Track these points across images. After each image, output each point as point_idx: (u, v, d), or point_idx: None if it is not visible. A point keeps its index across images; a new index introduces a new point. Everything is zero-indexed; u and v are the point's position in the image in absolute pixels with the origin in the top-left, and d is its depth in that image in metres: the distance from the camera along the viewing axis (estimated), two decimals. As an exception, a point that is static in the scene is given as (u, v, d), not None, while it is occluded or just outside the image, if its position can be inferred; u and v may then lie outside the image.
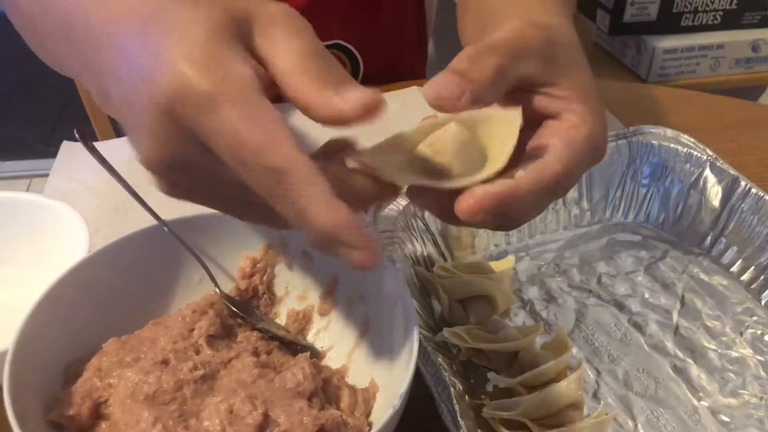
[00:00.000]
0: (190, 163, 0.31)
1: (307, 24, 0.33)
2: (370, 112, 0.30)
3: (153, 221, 0.47)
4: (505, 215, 0.34)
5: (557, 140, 0.35)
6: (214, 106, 0.28)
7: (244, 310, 0.48)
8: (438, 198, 0.34)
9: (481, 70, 0.33)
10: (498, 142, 0.34)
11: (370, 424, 0.42)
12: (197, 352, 0.44)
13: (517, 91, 0.36)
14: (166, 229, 0.47)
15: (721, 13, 1.43)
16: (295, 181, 0.28)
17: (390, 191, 0.33)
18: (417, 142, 0.34)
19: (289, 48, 0.31)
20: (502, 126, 0.34)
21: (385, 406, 0.40)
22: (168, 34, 0.29)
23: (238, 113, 0.28)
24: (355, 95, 0.30)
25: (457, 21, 0.57)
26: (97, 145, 0.51)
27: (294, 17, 0.32)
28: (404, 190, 0.34)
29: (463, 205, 0.32)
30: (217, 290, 0.48)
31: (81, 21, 0.34)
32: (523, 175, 0.33)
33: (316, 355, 0.48)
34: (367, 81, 0.91)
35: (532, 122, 0.36)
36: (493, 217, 0.33)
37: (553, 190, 0.35)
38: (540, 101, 0.36)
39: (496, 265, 0.57)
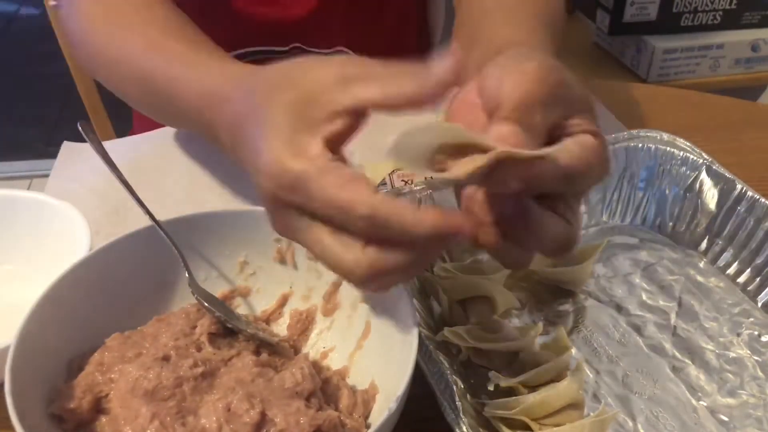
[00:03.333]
0: (301, 227, 0.37)
1: None
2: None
3: (154, 221, 0.48)
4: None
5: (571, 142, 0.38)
6: (305, 183, 0.35)
7: (224, 312, 0.47)
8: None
9: (530, 121, 0.37)
10: None
11: (368, 426, 0.42)
12: (198, 350, 0.44)
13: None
14: (157, 226, 0.47)
15: (720, 13, 1.43)
16: (388, 216, 0.34)
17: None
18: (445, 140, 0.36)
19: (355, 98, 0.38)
20: None
21: (384, 407, 0.40)
22: (262, 131, 0.38)
23: (321, 183, 0.35)
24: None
25: (453, 33, 0.60)
26: (98, 145, 0.51)
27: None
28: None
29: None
30: (201, 291, 0.48)
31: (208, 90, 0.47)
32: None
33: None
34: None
35: None
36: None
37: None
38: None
39: (496, 267, 0.57)
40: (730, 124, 0.80)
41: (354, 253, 0.36)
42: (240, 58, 0.73)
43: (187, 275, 0.47)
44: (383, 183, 0.66)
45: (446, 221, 0.34)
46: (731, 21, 1.44)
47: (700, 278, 0.58)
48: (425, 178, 0.56)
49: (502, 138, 0.35)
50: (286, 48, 0.80)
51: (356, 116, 0.38)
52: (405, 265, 0.36)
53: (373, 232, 0.35)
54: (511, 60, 0.39)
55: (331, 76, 0.38)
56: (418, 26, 0.91)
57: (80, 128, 0.52)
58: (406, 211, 0.34)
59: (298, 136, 0.37)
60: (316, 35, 0.80)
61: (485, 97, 0.38)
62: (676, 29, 1.43)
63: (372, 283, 0.37)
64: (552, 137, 0.38)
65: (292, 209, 0.37)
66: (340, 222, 0.35)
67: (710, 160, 0.60)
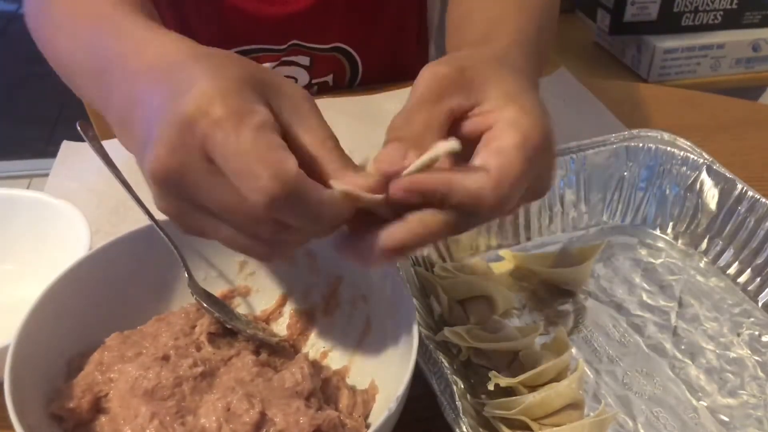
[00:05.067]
0: (196, 176, 0.33)
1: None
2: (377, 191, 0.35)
3: (154, 221, 0.48)
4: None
5: (486, 154, 0.36)
6: (236, 124, 0.32)
7: (224, 312, 0.47)
8: None
9: (411, 130, 0.37)
10: None
11: (368, 426, 0.42)
12: (198, 349, 0.44)
13: (456, 123, 0.39)
14: (155, 225, 0.47)
15: (721, 12, 1.43)
16: (307, 191, 0.33)
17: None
18: None
19: (319, 125, 0.36)
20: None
21: (384, 407, 0.40)
22: (204, 71, 0.34)
23: (253, 138, 0.32)
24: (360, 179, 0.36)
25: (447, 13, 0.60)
26: (97, 144, 0.51)
27: (308, 99, 0.37)
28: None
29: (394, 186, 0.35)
30: (200, 291, 0.48)
31: (120, 63, 0.41)
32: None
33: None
34: (366, 82, 0.91)
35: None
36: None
37: (504, 194, 0.35)
38: (474, 123, 0.38)
39: (496, 267, 0.57)
40: (730, 124, 0.80)
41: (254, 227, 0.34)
42: None
43: (186, 275, 0.47)
44: None
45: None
46: (732, 21, 1.44)
47: (700, 278, 0.58)
48: None
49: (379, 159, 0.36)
50: (284, 46, 0.80)
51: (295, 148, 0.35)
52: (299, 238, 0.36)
53: (270, 207, 0.32)
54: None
55: (303, 91, 0.37)
56: (417, 22, 0.91)
57: (79, 128, 0.52)
58: (320, 193, 0.33)
59: (246, 92, 0.34)
60: (314, 32, 0.80)
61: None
62: (677, 29, 1.43)
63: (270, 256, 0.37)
64: (462, 120, 0.39)
65: (197, 164, 0.33)
66: (243, 185, 0.32)
67: (711, 160, 0.60)
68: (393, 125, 0.38)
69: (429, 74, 0.39)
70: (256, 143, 0.32)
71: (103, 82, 0.43)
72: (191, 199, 0.34)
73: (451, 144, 0.35)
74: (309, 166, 0.35)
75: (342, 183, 0.34)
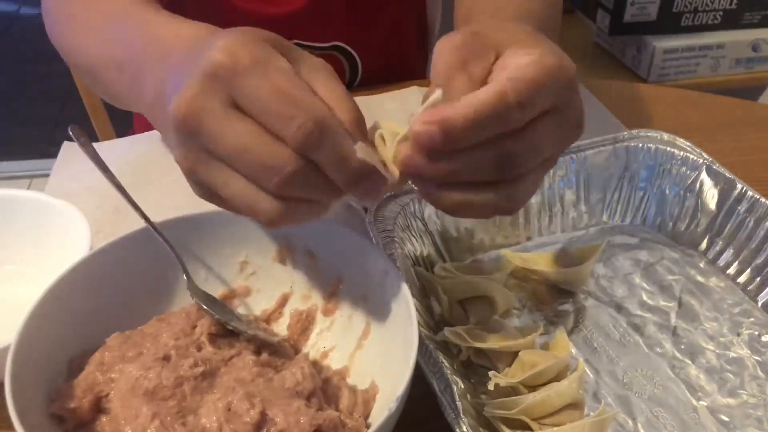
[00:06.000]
0: (213, 120, 0.34)
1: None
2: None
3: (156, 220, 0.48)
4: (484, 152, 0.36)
5: (498, 71, 0.37)
6: (264, 69, 0.33)
7: (224, 313, 0.47)
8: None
9: (456, 89, 0.37)
10: None
11: (368, 426, 0.42)
12: (199, 349, 0.44)
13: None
14: (150, 227, 0.47)
15: (721, 12, 1.43)
16: (336, 129, 0.34)
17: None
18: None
19: (338, 86, 0.37)
20: None
21: (384, 407, 0.40)
22: (228, 33, 0.35)
23: (284, 80, 0.33)
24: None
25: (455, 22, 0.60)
26: (98, 145, 0.51)
27: (327, 67, 0.38)
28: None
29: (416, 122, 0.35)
30: (200, 293, 0.48)
31: (153, 47, 0.43)
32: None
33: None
34: (366, 81, 0.91)
35: None
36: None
37: (513, 107, 0.35)
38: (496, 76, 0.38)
39: (495, 267, 0.57)
40: (730, 124, 0.80)
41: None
42: None
43: (200, 274, 0.47)
44: None
45: (371, 167, 0.35)
46: (731, 21, 1.44)
47: (700, 278, 0.58)
48: None
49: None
50: None
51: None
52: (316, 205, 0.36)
53: (304, 146, 0.33)
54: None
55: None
56: (417, 22, 0.91)
57: (71, 132, 0.52)
58: (349, 140, 0.34)
59: (267, 45, 0.35)
60: (314, 30, 0.80)
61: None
62: (677, 29, 1.43)
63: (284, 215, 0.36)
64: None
65: (219, 108, 0.34)
66: (277, 124, 0.33)
67: (710, 159, 0.60)
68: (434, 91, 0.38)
69: (446, 46, 0.39)
70: (288, 84, 0.33)
71: (132, 72, 0.45)
72: (209, 146, 0.35)
73: (437, 94, 0.35)
74: None
75: (363, 150, 0.35)
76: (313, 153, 0.34)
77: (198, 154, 0.35)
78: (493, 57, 0.38)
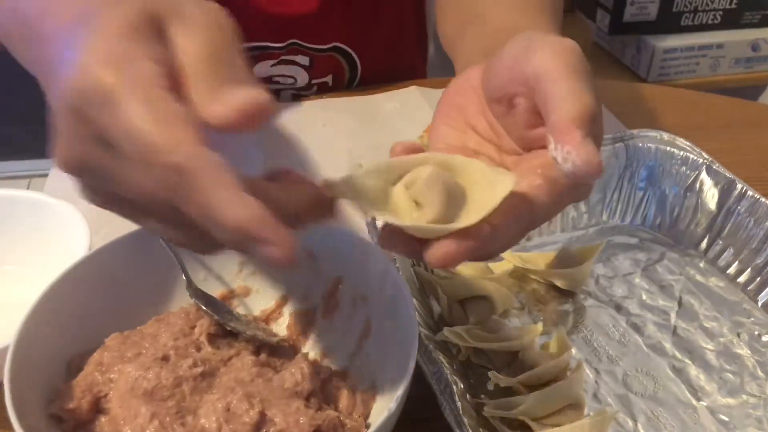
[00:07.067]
0: (97, 164, 0.30)
1: (228, 22, 0.33)
2: (250, 118, 0.29)
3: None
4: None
5: (533, 178, 0.35)
6: (116, 102, 0.28)
7: (223, 314, 0.47)
8: (406, 239, 0.33)
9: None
10: (480, 195, 0.33)
11: (368, 426, 0.42)
12: (198, 350, 0.44)
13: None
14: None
15: (720, 12, 1.43)
16: (200, 177, 0.27)
17: (327, 210, 0.33)
18: (399, 174, 0.34)
19: (193, 43, 0.31)
20: (491, 182, 0.33)
21: (384, 407, 0.40)
22: (88, 33, 0.30)
23: (139, 110, 0.28)
24: (236, 99, 0.29)
25: (436, 22, 0.59)
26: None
27: (212, 13, 0.32)
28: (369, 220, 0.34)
29: (432, 255, 0.32)
30: (199, 293, 0.47)
31: (38, 21, 0.35)
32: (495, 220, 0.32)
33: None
34: (365, 82, 0.91)
35: None
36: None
37: (530, 221, 0.34)
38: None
39: (495, 267, 0.57)
40: (730, 123, 0.80)
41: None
42: None
43: (199, 274, 0.47)
44: None
45: (258, 225, 0.27)
46: (731, 21, 1.44)
47: (700, 278, 0.58)
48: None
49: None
50: (283, 44, 0.80)
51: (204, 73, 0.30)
52: (179, 240, 0.31)
53: (178, 195, 0.28)
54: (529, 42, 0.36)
55: (202, 7, 0.32)
56: (416, 23, 0.91)
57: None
58: (230, 183, 0.27)
59: (128, 45, 0.29)
60: (314, 32, 0.80)
61: (497, 81, 0.37)
62: (676, 29, 1.44)
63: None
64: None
65: (91, 136, 0.29)
66: (141, 173, 0.28)
67: (710, 159, 0.60)
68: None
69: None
70: (142, 120, 0.27)
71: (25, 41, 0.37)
72: (106, 191, 0.32)
73: (509, 185, 0.32)
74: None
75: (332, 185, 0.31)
76: (180, 205, 0.28)
77: (104, 195, 0.33)
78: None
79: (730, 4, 1.41)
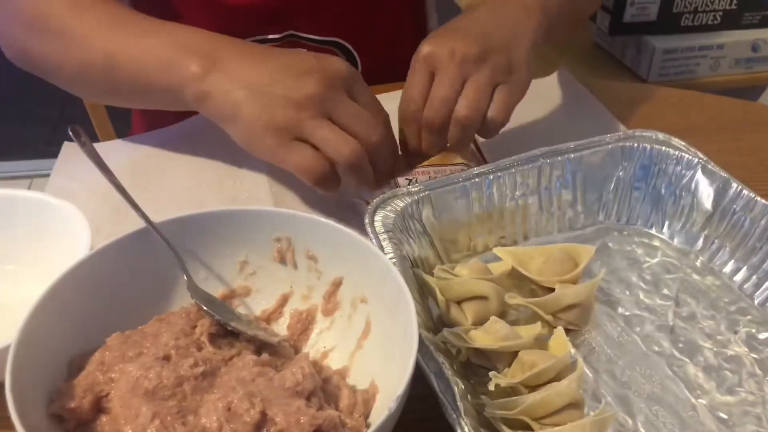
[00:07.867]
0: (341, 110, 0.58)
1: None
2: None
3: (156, 220, 0.48)
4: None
5: None
6: (361, 81, 0.61)
7: (224, 313, 0.47)
8: None
9: None
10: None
11: (368, 426, 0.42)
12: (199, 349, 0.44)
13: None
14: (152, 228, 0.47)
15: (721, 13, 1.43)
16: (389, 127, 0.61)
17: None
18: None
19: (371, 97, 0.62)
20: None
21: (384, 407, 0.40)
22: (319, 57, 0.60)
23: (353, 107, 0.59)
24: None
25: None
26: (98, 145, 0.51)
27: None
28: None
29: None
30: (200, 293, 0.48)
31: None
32: None
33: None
34: (365, 80, 0.91)
35: None
36: None
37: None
38: None
39: (493, 267, 0.57)
40: (730, 124, 0.80)
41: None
42: None
43: (200, 274, 0.47)
44: None
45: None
46: (731, 21, 1.44)
47: (696, 277, 0.58)
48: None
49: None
50: (280, 35, 0.80)
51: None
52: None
53: (368, 134, 0.57)
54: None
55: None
56: (415, 19, 0.91)
57: (71, 133, 0.52)
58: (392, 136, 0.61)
59: (339, 87, 0.59)
60: (310, 20, 0.81)
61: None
62: (676, 29, 1.43)
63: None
64: None
65: (339, 93, 0.58)
66: (364, 119, 0.58)
67: (705, 159, 0.60)
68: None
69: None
70: (356, 110, 0.59)
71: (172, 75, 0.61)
72: (327, 109, 0.57)
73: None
74: None
75: None
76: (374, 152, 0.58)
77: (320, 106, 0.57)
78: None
79: (730, 4, 1.41)
